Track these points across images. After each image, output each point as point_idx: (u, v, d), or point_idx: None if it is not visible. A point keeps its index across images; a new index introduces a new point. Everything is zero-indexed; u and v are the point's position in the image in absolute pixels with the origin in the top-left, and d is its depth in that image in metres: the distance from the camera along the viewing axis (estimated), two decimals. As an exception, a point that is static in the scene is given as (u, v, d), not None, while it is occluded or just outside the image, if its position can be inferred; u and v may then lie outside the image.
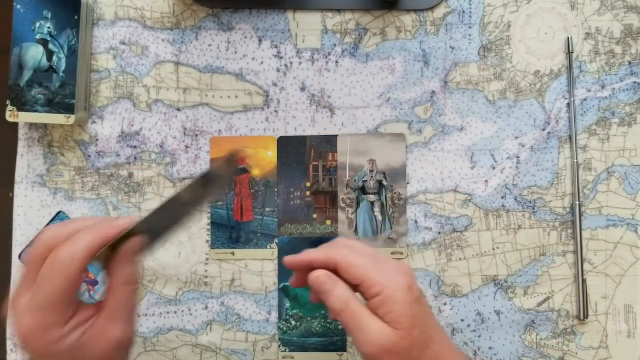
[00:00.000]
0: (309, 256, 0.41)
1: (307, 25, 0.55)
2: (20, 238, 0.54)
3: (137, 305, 0.40)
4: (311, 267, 0.41)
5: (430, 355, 0.39)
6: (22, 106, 0.52)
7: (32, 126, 0.55)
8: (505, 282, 0.53)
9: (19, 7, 0.52)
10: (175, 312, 0.54)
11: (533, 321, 0.53)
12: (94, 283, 0.54)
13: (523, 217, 0.53)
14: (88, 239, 0.36)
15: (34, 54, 0.52)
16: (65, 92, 0.52)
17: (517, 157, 0.54)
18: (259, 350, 0.54)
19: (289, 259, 0.42)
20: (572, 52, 0.54)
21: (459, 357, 0.42)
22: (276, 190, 0.54)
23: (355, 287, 0.40)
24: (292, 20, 0.55)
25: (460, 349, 0.51)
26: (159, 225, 0.40)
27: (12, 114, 0.52)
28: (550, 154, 0.54)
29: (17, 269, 0.54)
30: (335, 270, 0.40)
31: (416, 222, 0.54)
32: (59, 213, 0.54)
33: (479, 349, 0.53)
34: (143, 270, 0.54)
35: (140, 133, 0.55)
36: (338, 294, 0.39)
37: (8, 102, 0.51)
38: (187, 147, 0.54)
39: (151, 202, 0.54)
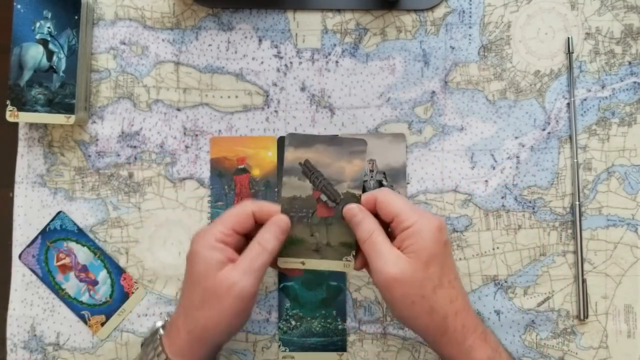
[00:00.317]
0: (364, 199, 0.45)
1: (307, 25, 0.55)
2: (20, 238, 0.54)
3: (265, 269, 0.43)
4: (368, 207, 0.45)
5: (443, 295, 0.41)
6: (22, 106, 0.52)
7: (32, 126, 0.55)
8: (505, 282, 0.53)
9: (19, 6, 0.52)
10: (175, 312, 0.54)
11: (533, 321, 0.53)
12: (94, 283, 0.54)
13: (523, 217, 0.53)
14: (264, 202, 0.47)
15: (34, 54, 0.52)
16: (65, 92, 0.52)
17: (517, 157, 0.54)
18: (259, 350, 0.54)
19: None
20: (572, 52, 0.54)
21: (475, 316, 0.43)
22: (276, 190, 0.54)
23: (389, 225, 0.44)
24: (292, 20, 0.55)
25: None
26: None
27: (12, 114, 0.52)
28: (550, 154, 0.54)
29: (17, 269, 0.54)
30: (374, 209, 0.44)
31: (416, 222, 0.53)
32: (59, 213, 0.54)
33: (479, 349, 0.53)
34: (143, 270, 0.54)
35: (140, 133, 0.55)
36: (366, 225, 0.43)
37: (8, 102, 0.51)
38: (187, 147, 0.54)
39: (151, 202, 0.54)
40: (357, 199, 0.46)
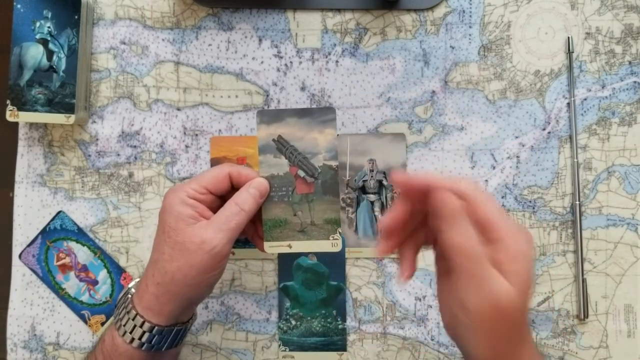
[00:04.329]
0: (430, 178, 0.37)
1: (307, 25, 0.55)
2: (20, 238, 0.54)
3: (239, 229, 0.43)
4: (425, 193, 0.37)
5: (526, 324, 0.36)
6: (22, 106, 0.52)
7: (32, 126, 0.55)
8: (505, 281, 0.53)
9: (19, 6, 0.52)
10: (175, 312, 0.54)
11: (533, 321, 0.53)
12: (94, 283, 0.54)
13: (523, 216, 0.53)
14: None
15: (34, 54, 0.52)
16: (65, 91, 0.52)
17: (517, 157, 0.54)
18: (259, 350, 0.54)
19: (400, 175, 0.38)
20: (572, 52, 0.54)
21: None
22: (276, 189, 0.54)
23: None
24: (292, 20, 0.55)
25: None
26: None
27: (12, 114, 0.52)
28: (550, 154, 0.54)
29: (17, 269, 0.54)
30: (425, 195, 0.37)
31: (416, 221, 0.53)
32: (59, 213, 0.54)
33: (479, 349, 0.53)
34: (143, 269, 0.54)
35: (140, 132, 0.55)
36: (465, 228, 0.35)
37: (8, 102, 0.51)
38: (187, 146, 0.54)
39: (151, 202, 0.54)
40: (335, 171, 0.46)
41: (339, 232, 0.46)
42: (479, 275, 0.34)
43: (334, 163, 0.46)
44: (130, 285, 0.46)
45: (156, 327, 0.42)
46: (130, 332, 0.42)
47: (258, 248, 0.47)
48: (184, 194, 0.43)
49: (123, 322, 0.42)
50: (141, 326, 0.42)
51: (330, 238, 0.46)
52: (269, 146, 0.46)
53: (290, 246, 0.46)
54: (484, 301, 0.34)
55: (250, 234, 0.48)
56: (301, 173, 0.46)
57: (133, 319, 0.42)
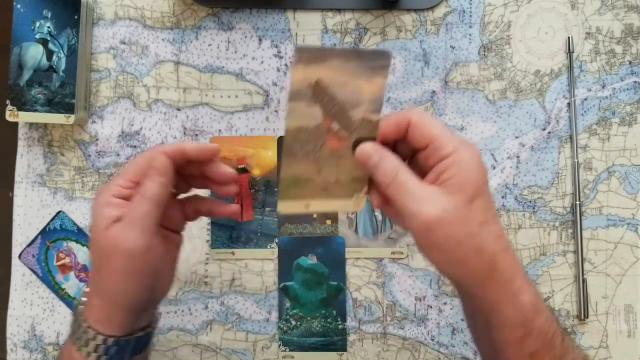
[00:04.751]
0: (382, 124, 0.38)
1: (307, 25, 0.55)
2: (20, 238, 0.54)
3: (150, 219, 0.39)
4: (385, 142, 0.38)
5: (490, 231, 0.35)
6: (21, 106, 0.52)
7: (32, 126, 0.55)
8: (506, 281, 0.53)
9: (18, 6, 0.52)
10: (175, 312, 0.54)
11: (533, 321, 0.53)
12: (94, 283, 0.54)
13: (523, 216, 0.53)
14: (180, 144, 0.42)
15: (34, 54, 0.52)
16: (65, 91, 0.52)
17: (517, 157, 0.54)
18: (259, 350, 0.54)
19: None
20: (573, 52, 0.54)
21: (516, 256, 0.37)
22: (276, 189, 0.54)
23: (421, 150, 0.37)
24: (292, 20, 0.55)
25: None
26: None
27: (11, 114, 0.52)
28: (551, 154, 0.54)
29: (17, 269, 0.54)
30: (406, 132, 0.37)
31: (416, 221, 0.53)
32: (58, 213, 0.54)
33: (479, 349, 0.53)
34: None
35: (140, 132, 0.55)
36: (386, 166, 0.36)
37: (8, 102, 0.51)
38: (187, 146, 0.54)
39: (151, 202, 0.54)
40: (375, 127, 0.39)
41: (364, 191, 0.40)
42: (412, 196, 0.35)
43: (375, 117, 0.38)
44: (80, 296, 0.41)
45: (111, 339, 0.39)
46: (86, 346, 0.39)
47: (235, 218, 0.44)
48: (109, 193, 0.39)
49: (77, 336, 0.39)
50: (94, 339, 0.39)
51: (354, 197, 0.41)
52: (303, 93, 0.37)
53: (308, 206, 0.40)
54: (423, 217, 0.35)
55: (218, 211, 0.45)
56: (335, 126, 0.38)
57: (85, 332, 0.39)
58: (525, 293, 0.36)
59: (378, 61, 0.38)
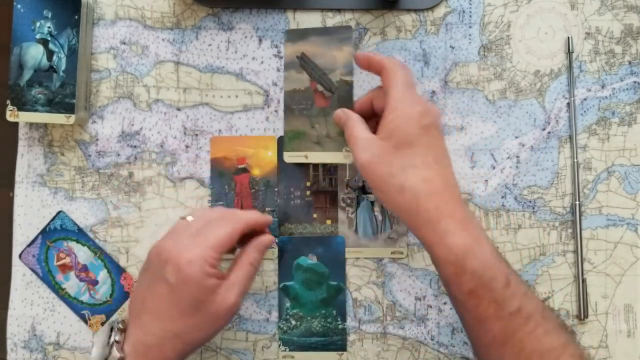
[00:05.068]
0: (370, 55, 0.47)
1: (307, 25, 0.55)
2: (20, 238, 0.54)
3: (251, 286, 0.46)
4: (369, 64, 0.47)
5: (414, 174, 0.41)
6: (22, 106, 0.52)
7: (32, 126, 0.55)
8: (505, 281, 0.53)
9: (19, 6, 0.52)
10: (176, 312, 0.54)
11: (533, 321, 0.53)
12: (94, 283, 0.54)
13: (523, 216, 0.53)
14: (250, 214, 0.48)
15: (34, 54, 0.52)
16: (65, 91, 0.52)
17: (517, 157, 0.54)
18: (259, 350, 0.54)
19: (362, 54, 0.47)
20: (572, 52, 0.54)
21: (460, 207, 0.41)
22: (276, 189, 0.54)
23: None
24: (292, 20, 0.55)
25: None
26: None
27: (12, 114, 0.52)
28: (550, 154, 0.54)
29: (17, 269, 0.54)
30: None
31: (416, 221, 0.53)
32: (59, 212, 0.54)
33: (478, 349, 0.53)
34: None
35: (140, 132, 0.55)
36: (349, 122, 0.46)
37: (8, 102, 0.51)
38: (187, 146, 0.55)
39: (151, 202, 0.54)
40: (350, 86, 0.50)
41: None
42: (355, 143, 0.44)
43: (349, 78, 0.50)
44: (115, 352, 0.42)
45: None
46: None
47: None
48: (206, 265, 0.42)
49: None
50: None
51: (343, 150, 0.50)
52: (293, 62, 0.52)
53: (306, 156, 0.51)
54: (360, 160, 0.43)
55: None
56: (320, 87, 0.51)
57: None
58: (455, 236, 0.40)
59: (343, 34, 0.51)
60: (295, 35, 0.52)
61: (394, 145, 0.42)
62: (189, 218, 0.46)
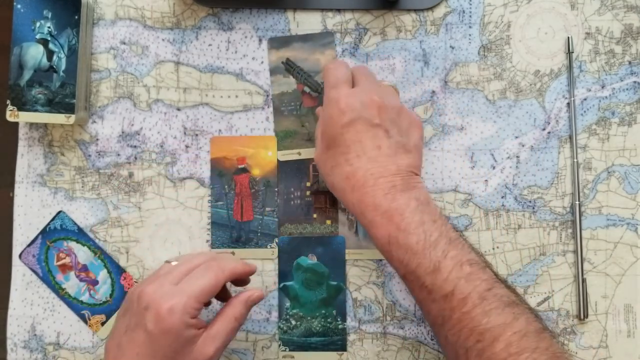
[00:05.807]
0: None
1: (307, 25, 0.55)
2: (20, 238, 0.54)
3: (232, 339, 0.45)
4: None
5: (338, 173, 0.45)
6: (22, 106, 0.52)
7: (32, 126, 0.55)
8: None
9: (19, 6, 0.52)
10: (176, 312, 0.54)
11: (533, 321, 0.53)
12: (94, 282, 0.54)
13: (523, 216, 0.53)
14: (234, 264, 0.46)
15: (34, 54, 0.52)
16: (65, 91, 0.52)
17: (517, 157, 0.54)
18: (259, 350, 0.54)
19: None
20: (572, 52, 0.54)
21: (384, 199, 0.43)
22: (276, 190, 0.54)
23: None
24: (292, 20, 0.55)
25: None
26: None
27: (12, 114, 0.52)
28: (550, 154, 0.54)
29: (17, 269, 0.54)
30: None
31: (416, 221, 0.53)
32: (59, 213, 0.54)
33: (478, 349, 0.53)
34: (143, 269, 0.54)
35: (141, 132, 0.55)
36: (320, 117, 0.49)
37: (8, 102, 0.51)
38: (187, 146, 0.55)
39: (151, 202, 0.54)
40: None
41: None
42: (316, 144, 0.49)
43: None
44: None
45: None
46: None
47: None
48: (187, 315, 0.41)
49: None
50: None
51: None
52: (279, 68, 0.54)
53: (299, 153, 0.53)
54: (314, 159, 0.49)
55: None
56: (307, 89, 0.54)
57: None
58: (378, 228, 0.43)
59: (325, 39, 0.54)
60: (279, 42, 0.54)
61: (325, 147, 0.46)
62: (174, 263, 0.46)
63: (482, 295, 0.40)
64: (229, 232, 0.54)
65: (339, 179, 0.45)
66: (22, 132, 0.55)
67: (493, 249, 0.53)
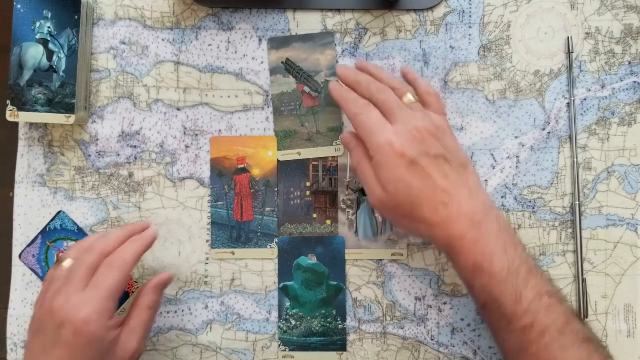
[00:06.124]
0: (356, 77, 0.48)
1: (307, 25, 0.55)
2: (20, 238, 0.54)
3: (152, 327, 0.46)
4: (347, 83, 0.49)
5: (413, 217, 0.43)
6: (22, 106, 0.52)
7: (32, 126, 0.55)
8: (505, 281, 0.53)
9: (19, 6, 0.52)
10: (176, 312, 0.54)
11: (533, 321, 0.53)
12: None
13: (523, 216, 0.53)
14: (132, 249, 0.45)
15: (34, 54, 0.52)
16: (65, 91, 0.52)
17: (517, 157, 0.54)
18: (259, 350, 0.54)
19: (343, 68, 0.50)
20: (572, 52, 0.54)
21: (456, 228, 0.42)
22: (276, 190, 0.54)
23: None
24: (292, 20, 0.55)
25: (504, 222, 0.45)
26: None
27: (12, 114, 0.52)
28: (550, 154, 0.54)
29: (17, 269, 0.54)
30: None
31: (416, 221, 0.53)
32: (59, 213, 0.54)
33: (478, 349, 0.53)
34: (143, 269, 0.54)
35: (141, 133, 0.55)
36: (355, 154, 0.46)
37: (8, 102, 0.51)
38: (187, 146, 0.55)
39: (151, 202, 0.54)
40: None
41: (340, 139, 0.52)
42: (368, 184, 0.45)
43: (334, 79, 0.53)
44: None
45: None
46: None
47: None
48: (105, 319, 0.41)
49: None
50: None
51: (334, 144, 0.53)
52: (279, 68, 0.54)
53: (299, 153, 0.53)
54: (373, 201, 0.45)
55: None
56: (307, 89, 0.53)
57: None
58: (464, 256, 0.42)
59: (325, 39, 0.54)
60: (279, 42, 0.54)
61: (392, 195, 0.43)
62: (66, 263, 0.44)
63: (560, 330, 0.40)
64: (229, 232, 0.54)
65: (424, 218, 0.43)
66: (22, 132, 0.55)
67: (493, 249, 0.53)
